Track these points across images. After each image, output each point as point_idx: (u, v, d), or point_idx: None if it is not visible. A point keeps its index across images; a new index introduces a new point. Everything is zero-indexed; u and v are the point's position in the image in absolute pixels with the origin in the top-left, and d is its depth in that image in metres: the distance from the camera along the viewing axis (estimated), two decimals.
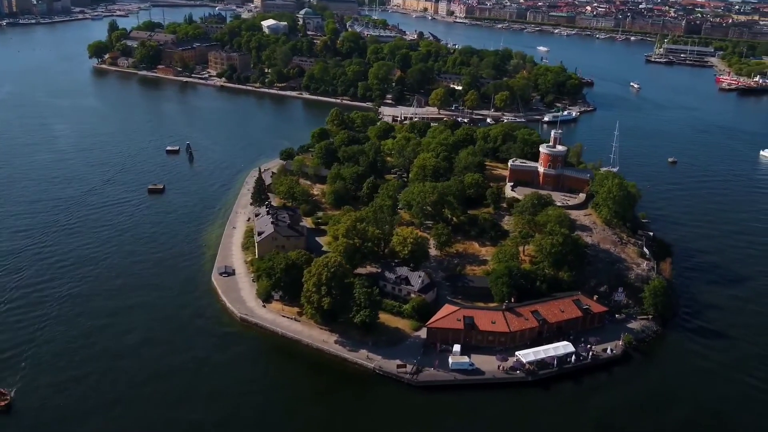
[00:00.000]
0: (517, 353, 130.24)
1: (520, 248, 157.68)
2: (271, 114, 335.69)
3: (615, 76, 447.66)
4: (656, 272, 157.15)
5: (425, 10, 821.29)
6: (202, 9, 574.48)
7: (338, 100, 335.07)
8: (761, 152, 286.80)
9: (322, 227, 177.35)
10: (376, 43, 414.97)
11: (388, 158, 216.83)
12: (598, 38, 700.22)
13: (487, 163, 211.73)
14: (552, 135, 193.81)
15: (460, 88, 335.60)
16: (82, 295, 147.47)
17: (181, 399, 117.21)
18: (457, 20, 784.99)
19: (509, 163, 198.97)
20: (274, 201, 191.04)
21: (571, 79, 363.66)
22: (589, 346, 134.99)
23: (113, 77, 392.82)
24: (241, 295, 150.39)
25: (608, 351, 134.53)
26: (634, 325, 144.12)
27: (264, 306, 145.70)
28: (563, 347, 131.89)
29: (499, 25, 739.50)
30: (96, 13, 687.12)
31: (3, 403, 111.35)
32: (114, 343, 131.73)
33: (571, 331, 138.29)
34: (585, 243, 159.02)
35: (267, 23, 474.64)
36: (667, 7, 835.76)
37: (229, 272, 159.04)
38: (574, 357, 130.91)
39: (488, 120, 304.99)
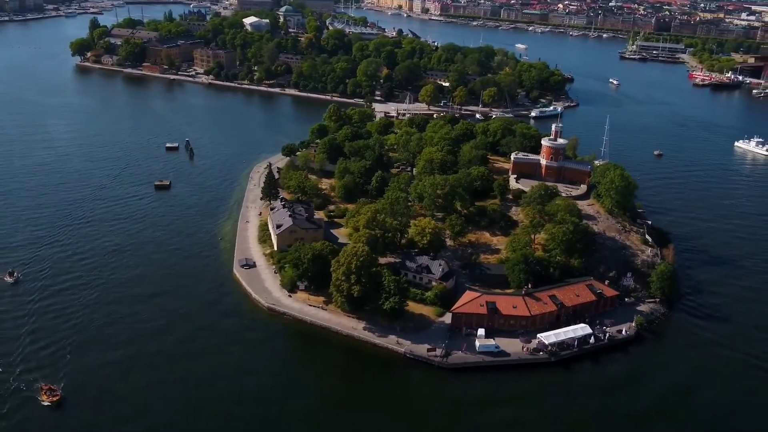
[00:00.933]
0: (539, 335, 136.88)
1: (532, 237, 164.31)
2: (263, 111, 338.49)
3: (592, 72, 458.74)
4: (660, 258, 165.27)
5: (400, 7, 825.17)
6: (176, 6, 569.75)
7: (328, 97, 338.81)
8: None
9: (335, 220, 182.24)
10: (360, 40, 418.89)
11: (392, 153, 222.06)
12: (571, 35, 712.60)
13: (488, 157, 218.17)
14: (553, 128, 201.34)
15: (447, 84, 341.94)
16: (109, 288, 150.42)
17: (219, 380, 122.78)
18: (432, 17, 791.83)
19: (512, 156, 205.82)
20: (283, 195, 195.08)
21: (554, 75, 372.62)
22: (604, 328, 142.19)
23: (98, 75, 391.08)
24: (265, 285, 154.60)
25: (623, 332, 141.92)
26: (643, 307, 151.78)
27: (290, 296, 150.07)
28: (581, 329, 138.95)
29: (474, 23, 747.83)
30: (70, 11, 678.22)
31: (55, 399, 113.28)
32: (147, 332, 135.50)
33: (586, 315, 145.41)
34: (593, 231, 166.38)
35: (249, 21, 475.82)
36: (636, 5, 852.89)
37: (250, 264, 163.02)
38: (592, 338, 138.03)
39: (477, 116, 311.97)
